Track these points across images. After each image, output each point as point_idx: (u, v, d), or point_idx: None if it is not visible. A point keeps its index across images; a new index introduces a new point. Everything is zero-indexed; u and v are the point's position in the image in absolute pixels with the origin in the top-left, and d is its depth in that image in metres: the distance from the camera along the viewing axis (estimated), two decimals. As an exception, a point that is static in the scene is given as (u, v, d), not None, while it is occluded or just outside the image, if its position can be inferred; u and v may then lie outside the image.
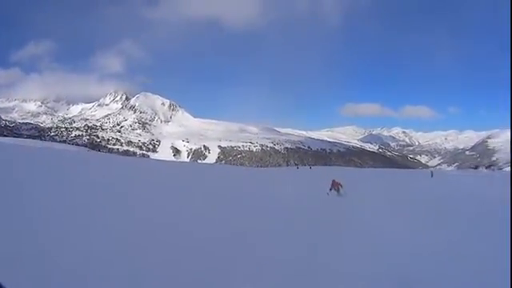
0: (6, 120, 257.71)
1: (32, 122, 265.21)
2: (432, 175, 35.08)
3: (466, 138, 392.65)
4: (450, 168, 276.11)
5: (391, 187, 22.84)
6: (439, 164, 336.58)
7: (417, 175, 41.54)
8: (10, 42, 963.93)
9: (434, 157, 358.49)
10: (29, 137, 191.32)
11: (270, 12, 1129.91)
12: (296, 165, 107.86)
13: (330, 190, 14.21)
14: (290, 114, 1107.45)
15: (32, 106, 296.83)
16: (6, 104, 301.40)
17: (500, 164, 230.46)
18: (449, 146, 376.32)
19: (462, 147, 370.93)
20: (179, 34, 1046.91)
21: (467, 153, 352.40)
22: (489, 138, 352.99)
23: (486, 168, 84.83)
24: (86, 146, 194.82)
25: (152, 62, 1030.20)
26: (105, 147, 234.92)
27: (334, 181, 14.45)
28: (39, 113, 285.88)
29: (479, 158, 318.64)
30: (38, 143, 76.45)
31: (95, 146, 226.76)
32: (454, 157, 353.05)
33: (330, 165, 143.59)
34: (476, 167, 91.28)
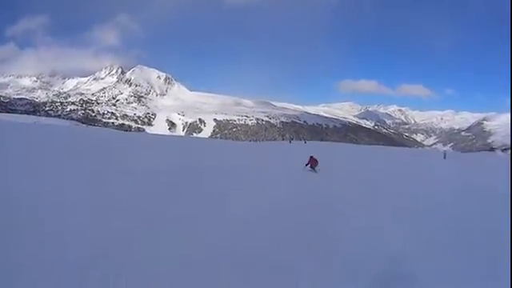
0: (0, 96, 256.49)
1: (27, 97, 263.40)
2: (445, 157, 29.05)
3: (462, 119, 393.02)
4: (446, 148, 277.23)
5: (397, 172, 17.85)
6: (434, 143, 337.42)
7: (425, 155, 33.96)
8: (4, 16, 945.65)
9: (430, 136, 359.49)
10: (24, 112, 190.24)
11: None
12: (290, 139, 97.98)
13: (306, 165, 14.21)
14: (286, 89, 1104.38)
15: (27, 82, 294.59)
16: (1, 80, 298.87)
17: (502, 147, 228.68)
18: (445, 125, 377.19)
19: (457, 128, 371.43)
20: (176, 8, 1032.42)
21: (463, 133, 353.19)
22: (485, 120, 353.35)
23: (503, 151, 78.11)
24: (80, 120, 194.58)
25: (148, 36, 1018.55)
26: (100, 121, 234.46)
27: (311, 157, 14.34)
28: (34, 88, 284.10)
29: (475, 139, 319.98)
30: (29, 118, 75.56)
31: (90, 120, 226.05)
32: (450, 137, 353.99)
33: (325, 140, 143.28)
34: (492, 149, 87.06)
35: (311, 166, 14.08)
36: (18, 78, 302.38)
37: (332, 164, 14.34)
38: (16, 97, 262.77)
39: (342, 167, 14.57)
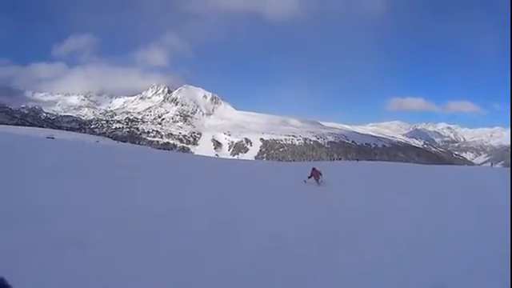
0: (47, 113, 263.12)
1: (74, 114, 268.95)
2: None
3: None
4: (497, 166, 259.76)
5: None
6: (485, 162, 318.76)
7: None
8: (53, 36, 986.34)
9: (480, 154, 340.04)
10: (69, 129, 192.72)
11: (312, 3, 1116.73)
12: (335, 158, 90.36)
13: (309, 177, 13.72)
14: (334, 108, 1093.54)
15: (75, 100, 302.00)
16: (50, 97, 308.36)
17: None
18: (494, 142, 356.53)
19: (507, 144, 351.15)
20: (221, 27, 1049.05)
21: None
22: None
23: None
24: (125, 138, 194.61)
25: (194, 55, 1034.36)
26: (144, 139, 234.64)
27: (313, 169, 13.83)
28: (81, 106, 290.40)
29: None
30: (46, 132, 72.88)
31: (135, 138, 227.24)
32: (501, 154, 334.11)
33: (374, 159, 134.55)
34: None
35: (315, 179, 13.53)
36: (66, 96, 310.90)
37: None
38: (63, 114, 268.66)
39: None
